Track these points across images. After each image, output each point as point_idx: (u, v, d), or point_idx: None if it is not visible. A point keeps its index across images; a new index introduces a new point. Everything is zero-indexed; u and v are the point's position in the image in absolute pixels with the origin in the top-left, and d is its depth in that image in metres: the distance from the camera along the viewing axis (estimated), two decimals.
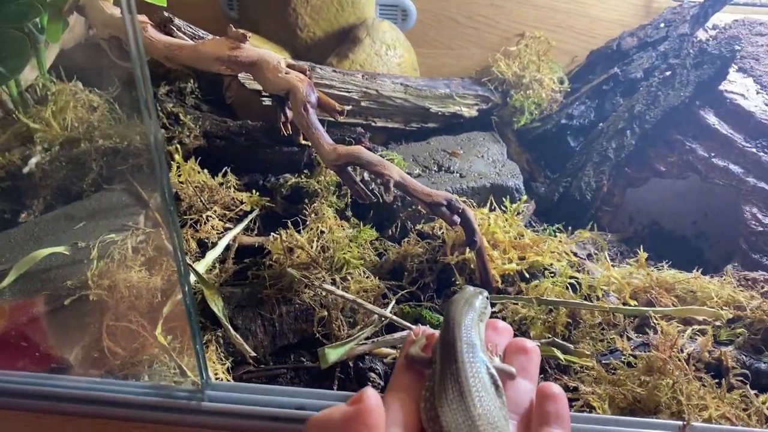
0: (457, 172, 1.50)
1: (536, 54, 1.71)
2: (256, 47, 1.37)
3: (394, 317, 1.14)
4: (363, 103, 1.50)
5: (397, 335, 1.15)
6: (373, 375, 1.11)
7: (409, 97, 1.56)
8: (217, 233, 1.34)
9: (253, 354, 1.13)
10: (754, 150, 1.31)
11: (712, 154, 1.34)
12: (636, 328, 1.21)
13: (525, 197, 1.38)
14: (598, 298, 1.23)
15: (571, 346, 1.12)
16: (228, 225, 1.38)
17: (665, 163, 1.41)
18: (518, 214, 1.40)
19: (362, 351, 1.13)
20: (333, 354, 1.09)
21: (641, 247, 1.28)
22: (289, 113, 1.20)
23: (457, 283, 1.27)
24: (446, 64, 1.86)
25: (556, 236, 1.36)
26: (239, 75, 1.33)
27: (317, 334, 1.17)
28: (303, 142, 1.30)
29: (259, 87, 1.32)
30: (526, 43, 1.73)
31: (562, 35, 1.78)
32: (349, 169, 1.19)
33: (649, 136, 1.40)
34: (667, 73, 1.41)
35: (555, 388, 0.60)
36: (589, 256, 1.37)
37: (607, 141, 1.44)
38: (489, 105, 1.68)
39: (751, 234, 1.29)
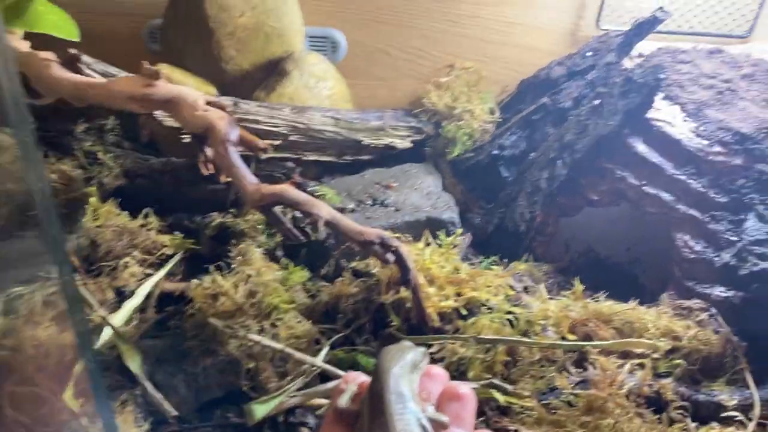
0: (392, 206, 1.46)
1: (467, 84, 1.70)
2: (179, 82, 1.31)
3: (326, 365, 1.08)
4: (292, 138, 1.45)
5: (330, 384, 1.09)
6: (304, 430, 1.05)
7: (340, 130, 1.51)
8: (136, 280, 1.26)
9: (175, 413, 1.05)
10: (683, 177, 1.32)
11: (643, 182, 1.34)
12: (576, 362, 1.18)
13: (460, 230, 1.35)
14: (536, 334, 1.21)
15: (510, 387, 1.09)
16: (149, 271, 1.30)
17: (597, 192, 1.40)
18: (454, 247, 1.37)
19: (293, 404, 1.06)
20: (260, 409, 1.02)
21: (578, 277, 1.26)
22: (210, 151, 1.14)
23: (393, 323, 1.22)
24: (379, 95, 1.83)
25: (492, 269, 1.33)
26: (156, 112, 1.26)
27: (245, 388, 1.10)
28: (225, 180, 1.24)
29: (177, 124, 1.25)
30: (456, 74, 1.72)
31: (492, 65, 1.78)
32: (277, 208, 1.13)
33: (580, 165, 1.40)
34: (596, 102, 1.41)
35: (460, 385, 0.58)
36: (525, 288, 1.35)
37: (539, 171, 1.42)
38: (422, 136, 1.66)
39: (683, 261, 1.29)
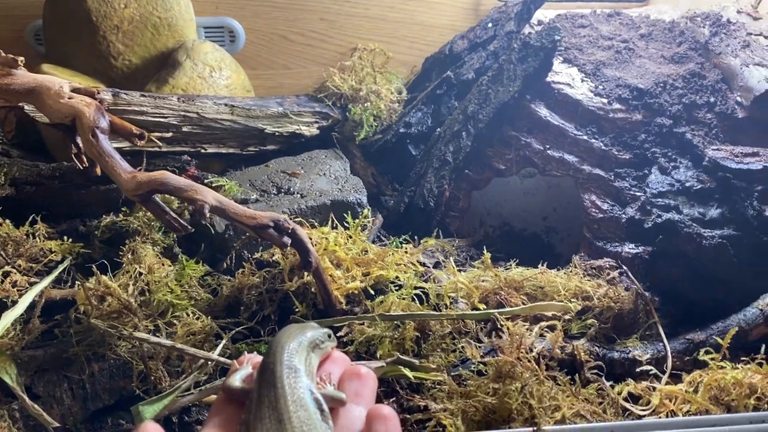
0: (297, 193, 1.40)
1: (371, 66, 1.65)
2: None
3: (222, 359, 1.01)
4: (185, 129, 1.38)
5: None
6: (200, 428, 0.97)
7: (237, 119, 1.45)
8: (19, 291, 1.16)
9: (56, 425, 0.96)
10: (585, 137, 1.30)
11: (547, 146, 1.32)
12: (489, 333, 1.14)
13: (367, 211, 1.30)
14: (446, 307, 1.16)
15: (416, 362, 1.04)
16: (35, 279, 1.21)
17: (504, 161, 1.37)
18: (364, 229, 1.32)
19: (187, 402, 0.99)
20: (149, 410, 0.95)
21: (485, 247, 1.22)
22: (81, 142, 1.06)
23: (297, 310, 1.15)
24: (285, 84, 1.77)
25: (402, 248, 1.28)
26: (25, 108, 1.17)
27: (137, 391, 1.02)
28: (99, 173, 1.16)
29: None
30: (360, 56, 1.67)
31: (397, 45, 1.74)
32: (157, 198, 1.06)
33: (485, 136, 1.37)
34: (495, 71, 1.38)
35: (385, 409, 0.55)
36: (437, 264, 1.30)
37: (445, 145, 1.39)
38: (330, 121, 1.60)
39: (593, 222, 1.26)
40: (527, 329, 1.06)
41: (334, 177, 1.46)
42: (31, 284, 1.19)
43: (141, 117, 1.30)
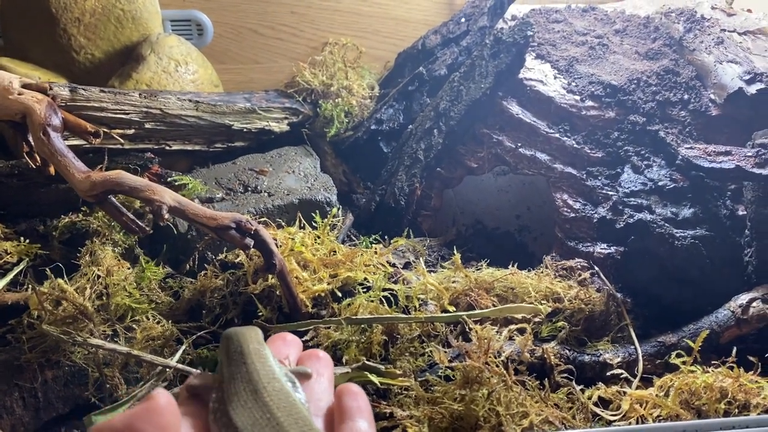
0: (265, 192, 1.37)
1: (343, 61, 1.61)
2: (25, 77, 1.17)
3: (180, 365, 0.97)
4: (148, 125, 1.33)
5: None
6: None
7: (202, 115, 1.40)
8: None
9: None
10: (557, 135, 1.27)
11: (519, 144, 1.29)
12: (459, 335, 1.12)
13: (336, 209, 1.27)
14: (416, 309, 1.14)
15: (383, 367, 1.01)
16: None
17: (476, 159, 1.35)
18: (332, 229, 1.29)
19: None
20: (103, 420, 0.91)
21: (456, 248, 1.19)
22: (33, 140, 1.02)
23: (261, 314, 1.12)
24: (255, 79, 1.73)
25: (373, 247, 1.25)
26: None
27: (93, 399, 0.98)
28: (53, 172, 1.11)
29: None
30: (330, 50, 1.63)
31: (369, 40, 1.70)
32: (113, 198, 1.02)
33: (456, 133, 1.34)
34: (467, 67, 1.35)
35: (354, 387, 0.57)
36: (407, 264, 1.28)
37: (416, 142, 1.36)
38: (300, 117, 1.56)
39: (564, 222, 1.24)
40: (496, 332, 1.03)
41: (304, 175, 1.42)
42: None
43: (101, 113, 1.25)
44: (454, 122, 1.33)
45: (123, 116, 1.29)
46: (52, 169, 1.04)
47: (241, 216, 1.07)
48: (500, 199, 1.54)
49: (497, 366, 0.98)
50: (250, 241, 1.06)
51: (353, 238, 1.38)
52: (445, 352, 1.05)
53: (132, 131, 1.30)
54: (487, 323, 1.05)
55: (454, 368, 0.99)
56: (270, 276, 1.14)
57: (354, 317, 1.08)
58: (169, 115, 1.35)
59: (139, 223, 1.04)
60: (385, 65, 1.72)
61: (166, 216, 1.02)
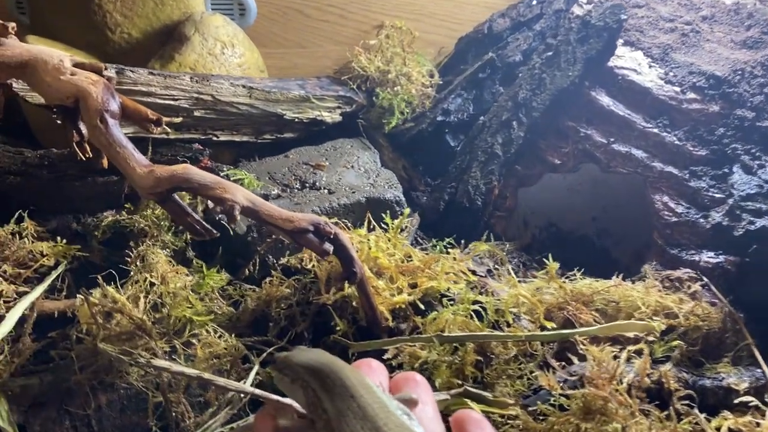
0: (324, 188, 1.24)
1: (400, 45, 1.48)
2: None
3: (257, 391, 0.84)
4: (197, 113, 1.20)
5: None
6: None
7: (255, 102, 1.27)
8: (5, 302, 0.99)
9: None
10: (655, 130, 1.15)
11: (611, 140, 1.17)
12: (556, 355, 1.00)
13: (408, 210, 1.14)
14: (508, 324, 1.01)
15: (488, 394, 0.89)
16: (24, 288, 1.03)
17: (559, 155, 1.22)
18: (402, 231, 1.16)
19: None
20: None
21: (549, 256, 1.07)
22: (84, 128, 0.88)
23: (338, 328, 0.99)
24: (299, 64, 1.59)
25: (448, 253, 1.12)
26: (13, 85, 0.98)
27: (154, 429, 0.85)
28: (105, 164, 0.98)
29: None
30: (387, 34, 1.50)
31: (424, 24, 1.57)
32: (177, 197, 0.88)
33: (538, 126, 1.22)
34: (550, 53, 1.22)
35: (475, 414, 0.54)
36: (488, 272, 1.15)
37: (492, 136, 1.23)
38: (353, 107, 1.43)
39: (665, 227, 1.12)
40: (614, 355, 0.91)
41: (364, 170, 1.29)
42: (20, 294, 1.01)
43: (148, 99, 1.12)
44: (537, 114, 1.20)
45: (172, 102, 1.16)
46: (104, 162, 0.90)
47: (319, 218, 0.94)
48: (571, 199, 1.42)
49: (621, 394, 0.85)
50: (329, 247, 0.93)
51: (420, 241, 1.26)
52: (553, 375, 0.92)
53: (180, 119, 1.16)
54: (605, 344, 0.93)
55: (569, 396, 0.87)
56: (346, 286, 1.01)
57: (447, 335, 0.95)
58: (220, 102, 1.22)
59: (206, 225, 0.91)
60: (440, 51, 1.59)
61: (238, 217, 0.89)
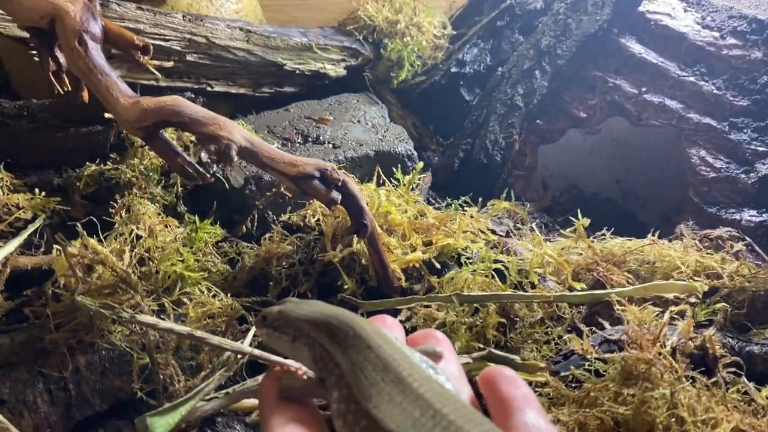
0: (329, 142, 1.14)
1: None
2: None
3: (257, 351, 0.74)
4: (189, 57, 1.10)
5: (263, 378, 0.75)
6: None
7: (253, 48, 1.16)
8: None
9: None
10: (692, 79, 1.06)
11: (643, 90, 1.08)
12: (584, 320, 0.90)
13: (421, 164, 1.04)
14: (533, 286, 0.92)
15: (516, 357, 0.79)
16: None
17: (585, 108, 1.13)
18: (414, 188, 1.06)
19: (211, 410, 0.73)
20: (160, 423, 0.68)
21: (578, 212, 0.97)
22: (61, 55, 0.78)
23: (346, 287, 0.89)
24: (299, 18, 1.48)
25: (464, 211, 1.03)
26: None
27: (140, 393, 0.75)
28: (86, 99, 0.87)
29: (22, 33, 0.87)
30: None
31: None
32: (165, 134, 0.78)
33: (563, 76, 1.12)
34: None
35: (506, 370, 0.48)
36: (508, 233, 1.06)
37: (512, 87, 1.13)
38: (359, 60, 1.33)
39: (701, 183, 1.03)
40: (656, 316, 0.81)
41: (372, 125, 1.19)
42: None
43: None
44: (562, 62, 1.10)
45: (162, 43, 1.05)
46: (84, 95, 0.80)
47: (326, 163, 0.85)
48: (592, 161, 1.32)
49: (665, 358, 0.76)
50: (337, 196, 0.84)
51: (433, 201, 1.16)
52: (585, 339, 0.83)
53: (171, 63, 1.06)
54: (647, 304, 0.83)
55: (606, 360, 0.77)
56: (355, 240, 0.91)
57: (468, 294, 0.86)
58: (215, 45, 1.11)
59: (198, 167, 0.81)
60: (451, 5, 1.48)
61: (235, 158, 0.79)
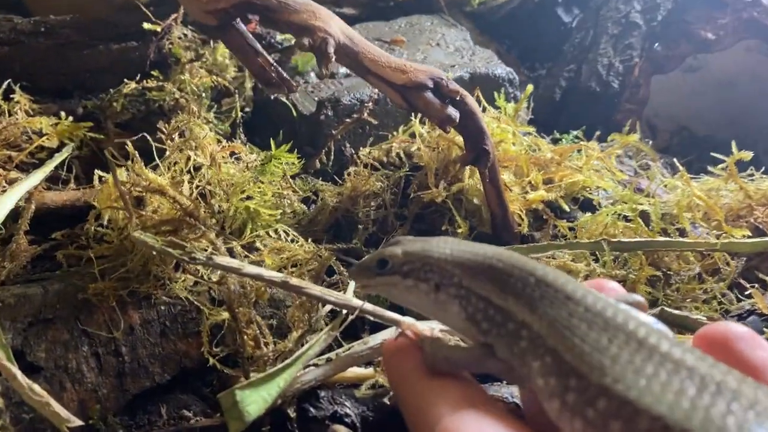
0: None
1: None
2: None
3: (370, 305, 0.56)
4: None
5: (374, 340, 0.58)
6: (339, 429, 0.54)
7: None
8: None
9: (77, 422, 0.51)
10: None
11: None
12: (741, 275, 0.73)
13: (531, 87, 0.85)
14: (681, 233, 0.74)
15: (701, 317, 0.62)
16: (18, 174, 0.74)
17: (713, 28, 0.94)
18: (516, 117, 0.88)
19: (314, 381, 0.55)
20: (254, 399, 0.51)
21: (733, 144, 0.79)
22: None
23: (460, 230, 0.72)
24: None
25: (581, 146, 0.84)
26: None
27: (211, 360, 0.58)
28: None
29: None
30: None
31: None
32: (240, 24, 0.60)
33: None
34: None
35: (741, 328, 0.39)
36: (635, 172, 0.88)
37: (626, 2, 0.94)
38: None
39: None
40: None
41: (454, 48, 1.01)
42: (11, 182, 0.73)
43: None
44: None
45: None
46: None
47: (441, 72, 0.66)
48: (696, 102, 1.14)
49: None
50: (454, 112, 0.65)
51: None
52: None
53: None
54: None
55: None
56: (467, 175, 0.73)
57: (619, 240, 0.68)
58: None
59: (282, 72, 0.62)
60: None
61: (333, 57, 0.61)
